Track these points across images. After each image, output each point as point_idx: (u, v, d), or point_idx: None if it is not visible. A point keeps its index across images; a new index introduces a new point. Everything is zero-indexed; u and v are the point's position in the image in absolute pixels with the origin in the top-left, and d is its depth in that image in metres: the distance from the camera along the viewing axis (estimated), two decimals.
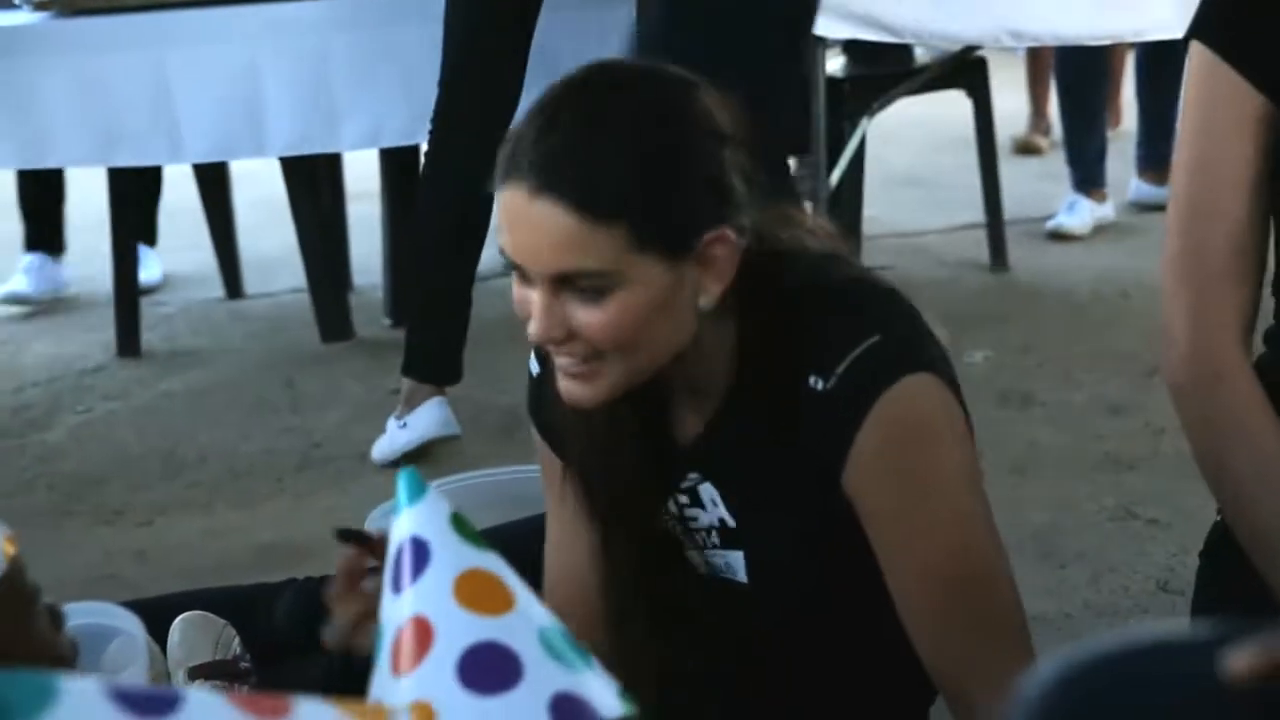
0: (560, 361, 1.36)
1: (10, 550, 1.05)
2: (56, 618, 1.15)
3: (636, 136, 1.31)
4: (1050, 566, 2.45)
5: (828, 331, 1.36)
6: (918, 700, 1.53)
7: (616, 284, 1.31)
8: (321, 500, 2.91)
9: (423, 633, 1.01)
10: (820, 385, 1.34)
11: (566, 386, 1.37)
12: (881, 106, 3.95)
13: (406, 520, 1.07)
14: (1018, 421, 3.09)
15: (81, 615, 1.62)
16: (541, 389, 1.50)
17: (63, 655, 1.11)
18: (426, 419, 3.05)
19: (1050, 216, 4.42)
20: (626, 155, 1.30)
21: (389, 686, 1.01)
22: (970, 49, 4.01)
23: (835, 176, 3.76)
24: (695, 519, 1.46)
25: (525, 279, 1.34)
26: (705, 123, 1.33)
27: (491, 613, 1.02)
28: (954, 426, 1.37)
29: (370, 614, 1.36)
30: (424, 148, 3.10)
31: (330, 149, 3.63)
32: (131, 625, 1.68)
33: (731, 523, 1.44)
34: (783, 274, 1.39)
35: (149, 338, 3.87)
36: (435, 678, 0.99)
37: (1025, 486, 2.76)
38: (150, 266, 4.28)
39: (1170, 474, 2.71)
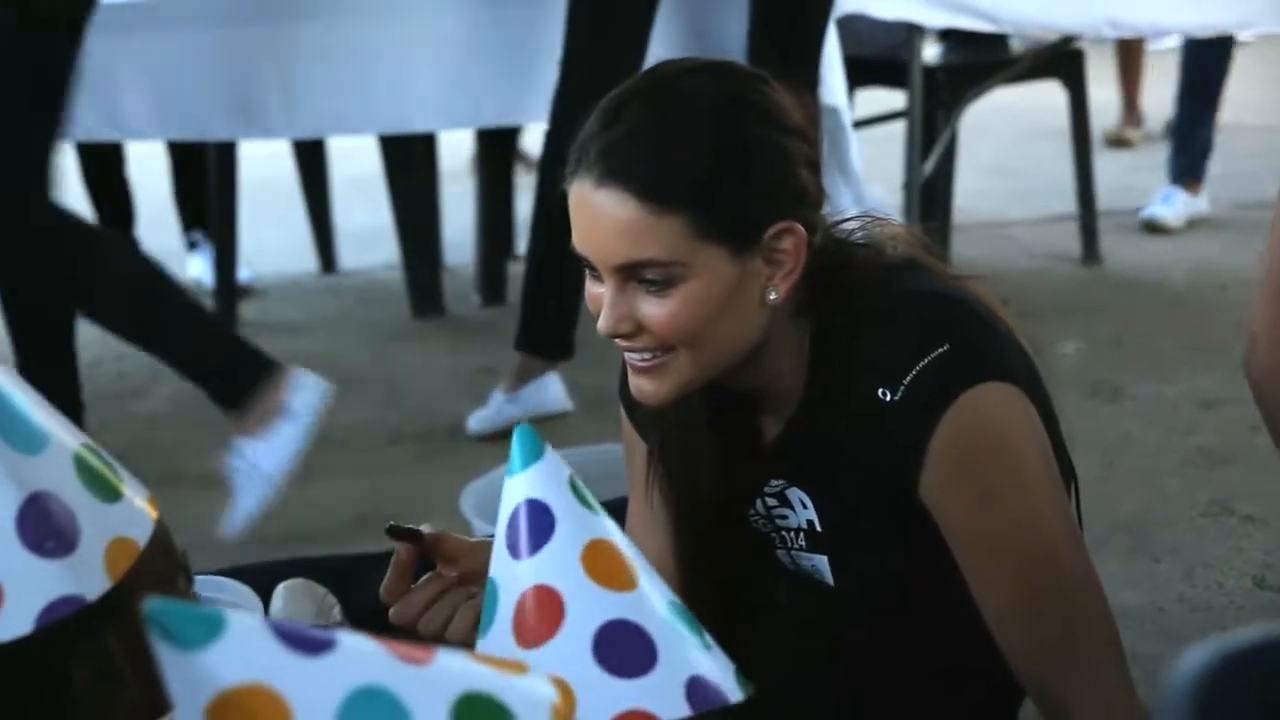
0: (629, 357, 1.37)
1: (154, 511, 1.08)
2: (188, 576, 1.19)
3: (701, 126, 1.32)
4: (1142, 560, 2.44)
5: (896, 342, 1.35)
6: (1005, 701, 1.52)
7: (681, 276, 1.31)
8: (414, 473, 2.95)
9: (552, 605, 0.99)
10: (888, 397, 1.33)
11: (636, 383, 1.38)
12: (976, 96, 3.94)
13: (524, 481, 1.03)
14: (1108, 414, 3.07)
15: (201, 589, 1.64)
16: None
17: None
18: (540, 393, 3.10)
19: (1142, 209, 4.39)
20: (690, 144, 1.31)
21: (510, 652, 1.00)
22: (1068, 39, 3.99)
23: (929, 166, 3.76)
24: (785, 518, 1.47)
25: (595, 275, 1.35)
26: (773, 117, 1.34)
27: (620, 588, 1.00)
28: (1029, 434, 1.35)
29: (437, 598, 1.42)
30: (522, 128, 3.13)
31: (431, 128, 3.67)
32: (247, 600, 1.70)
33: (819, 526, 1.44)
34: (855, 281, 1.38)
35: (244, 309, 3.93)
36: (571, 654, 0.98)
37: (1116, 479, 2.75)
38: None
39: (1267, 470, 2.68)
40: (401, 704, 0.79)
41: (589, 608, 0.99)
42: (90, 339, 3.85)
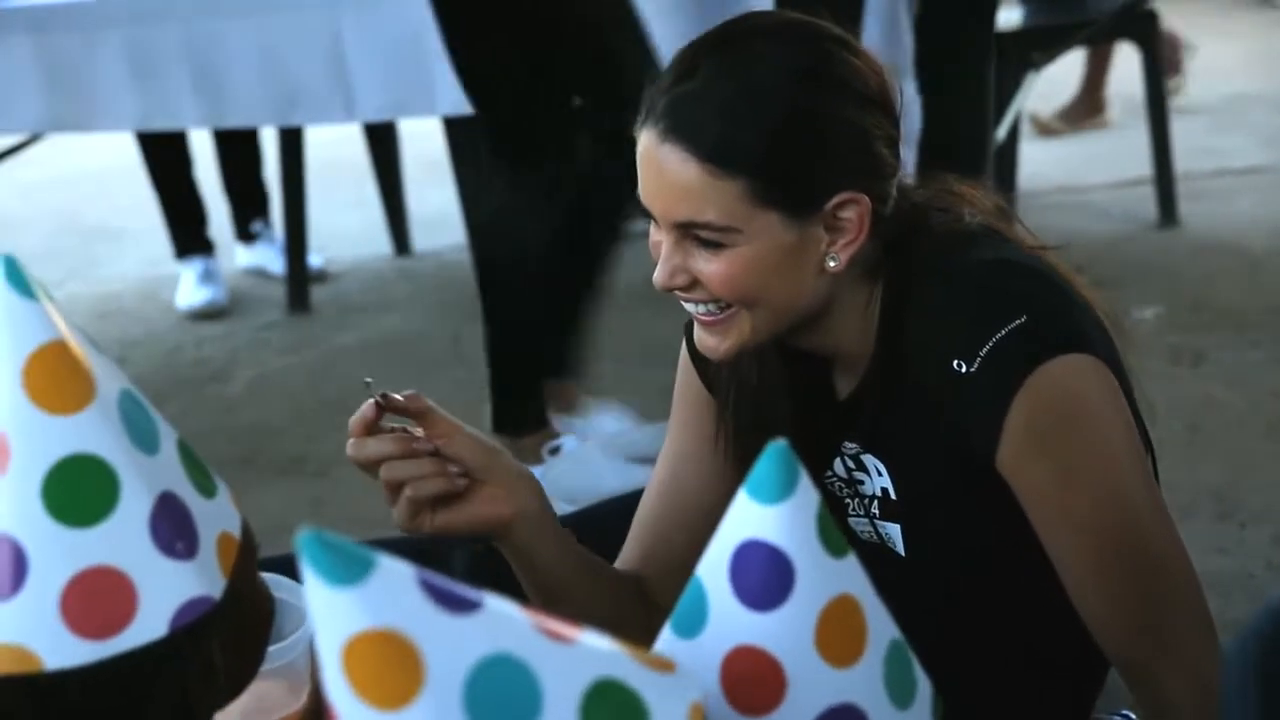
0: (692, 309, 1.37)
1: (236, 503, 1.08)
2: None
3: (774, 95, 1.30)
4: (1230, 526, 2.41)
5: (971, 312, 1.32)
6: (1088, 675, 1.49)
7: (736, 237, 1.30)
8: None
9: (773, 678, 0.91)
10: (963, 369, 1.31)
11: (700, 337, 1.38)
12: (1048, 59, 3.88)
13: (770, 519, 0.91)
14: (1190, 379, 3.03)
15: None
16: None
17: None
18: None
19: (1219, 172, 4.32)
20: (759, 107, 1.29)
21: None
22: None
23: (1001, 132, 3.71)
24: (862, 484, 1.45)
25: (657, 223, 1.35)
26: (851, 88, 1.31)
27: (849, 662, 0.92)
28: (1110, 406, 1.32)
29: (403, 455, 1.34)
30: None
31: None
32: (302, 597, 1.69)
33: (893, 494, 1.42)
34: (930, 247, 1.36)
35: (318, 294, 3.95)
36: None
37: (1200, 445, 2.72)
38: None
39: None
40: (535, 677, 0.78)
41: (812, 690, 0.91)
42: (169, 326, 3.90)
